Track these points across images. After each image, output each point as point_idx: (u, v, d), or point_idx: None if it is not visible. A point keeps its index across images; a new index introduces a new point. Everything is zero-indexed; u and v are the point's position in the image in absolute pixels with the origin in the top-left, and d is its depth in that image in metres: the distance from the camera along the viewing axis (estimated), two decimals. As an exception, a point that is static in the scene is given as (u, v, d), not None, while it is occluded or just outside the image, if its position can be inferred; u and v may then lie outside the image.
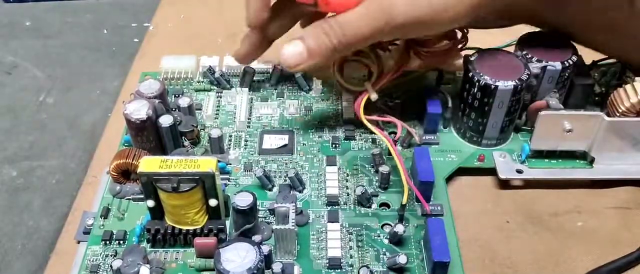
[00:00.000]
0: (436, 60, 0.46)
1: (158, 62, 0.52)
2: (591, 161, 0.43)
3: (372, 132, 0.45)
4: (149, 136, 0.41)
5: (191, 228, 0.37)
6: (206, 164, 0.35)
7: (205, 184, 0.35)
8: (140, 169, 0.35)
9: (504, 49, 0.46)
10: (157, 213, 0.37)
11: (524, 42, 0.45)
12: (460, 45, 0.45)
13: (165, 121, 0.41)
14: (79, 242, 0.39)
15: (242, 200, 0.36)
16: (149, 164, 0.35)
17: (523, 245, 0.39)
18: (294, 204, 0.36)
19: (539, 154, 0.44)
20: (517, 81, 0.41)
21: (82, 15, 0.69)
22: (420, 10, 0.36)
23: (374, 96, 0.42)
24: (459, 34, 0.44)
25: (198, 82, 0.51)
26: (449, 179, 0.43)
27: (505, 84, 0.41)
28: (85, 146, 0.50)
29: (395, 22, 0.36)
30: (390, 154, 0.42)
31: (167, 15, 0.64)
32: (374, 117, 0.44)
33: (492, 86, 0.41)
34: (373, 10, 0.36)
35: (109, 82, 0.57)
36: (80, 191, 0.44)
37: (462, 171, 0.44)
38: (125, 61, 0.59)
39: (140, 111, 0.40)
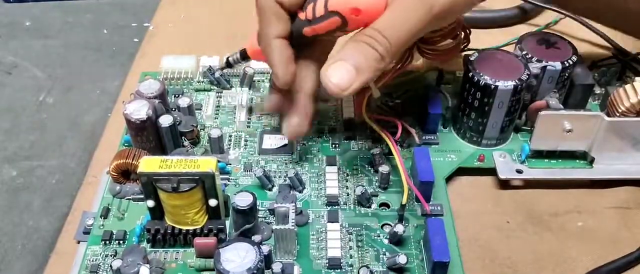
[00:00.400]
0: (439, 58, 0.46)
1: (158, 62, 0.52)
2: (591, 161, 0.43)
3: (372, 132, 0.45)
4: (149, 136, 0.41)
5: (191, 228, 0.37)
6: (206, 164, 0.35)
7: (205, 184, 0.35)
8: (140, 169, 0.35)
9: (503, 49, 0.46)
10: (157, 213, 0.37)
11: (524, 42, 0.45)
12: (463, 45, 0.45)
13: (165, 121, 0.41)
14: (79, 242, 0.39)
15: (242, 200, 0.36)
16: (148, 164, 0.35)
17: (523, 245, 0.39)
18: (293, 204, 0.36)
19: (538, 154, 0.44)
20: (517, 81, 0.41)
21: (82, 15, 0.69)
22: None
23: (376, 93, 0.42)
24: (462, 34, 0.44)
25: (198, 82, 0.51)
26: (449, 179, 0.43)
27: (505, 84, 0.41)
28: (85, 146, 0.50)
29: (435, 10, 0.34)
30: (390, 154, 0.42)
31: (167, 15, 0.64)
32: (376, 116, 0.44)
33: (492, 86, 0.41)
34: (411, 5, 0.34)
35: (109, 82, 0.57)
36: (80, 191, 0.44)
37: (462, 171, 0.44)
38: (125, 61, 0.59)
39: (140, 111, 0.40)
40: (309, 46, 0.40)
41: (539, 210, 0.42)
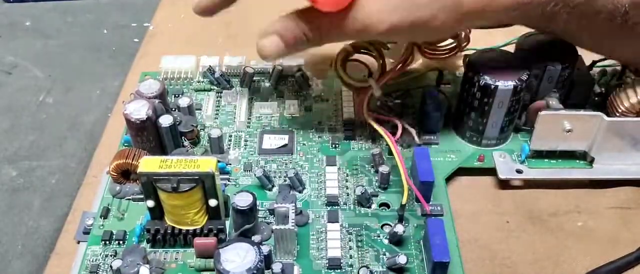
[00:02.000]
0: (440, 58, 0.46)
1: (158, 62, 0.52)
2: (591, 161, 0.43)
3: (372, 132, 0.45)
4: (148, 136, 0.41)
5: (191, 228, 0.37)
6: (206, 164, 0.35)
7: (205, 184, 0.35)
8: (140, 169, 0.35)
9: (503, 48, 0.46)
10: (157, 213, 0.37)
11: (524, 42, 0.45)
12: (463, 45, 0.45)
13: (165, 121, 0.41)
14: (78, 242, 0.39)
15: (242, 200, 0.36)
16: (148, 164, 0.35)
17: (523, 245, 0.39)
18: (293, 204, 0.36)
19: (538, 154, 0.44)
20: (517, 81, 0.41)
21: (82, 15, 0.69)
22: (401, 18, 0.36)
23: (377, 92, 0.42)
24: (462, 34, 0.44)
25: (198, 82, 0.51)
26: (448, 179, 0.43)
27: (505, 84, 0.41)
28: (85, 146, 0.50)
29: (377, 31, 0.36)
30: (390, 153, 0.43)
31: (167, 15, 0.64)
32: (376, 116, 0.44)
33: (492, 86, 0.41)
34: (354, 22, 0.36)
35: (109, 82, 0.57)
36: (80, 191, 0.44)
37: (462, 171, 0.44)
38: (125, 61, 0.59)
39: (140, 111, 0.40)
40: None
41: (538, 210, 0.42)
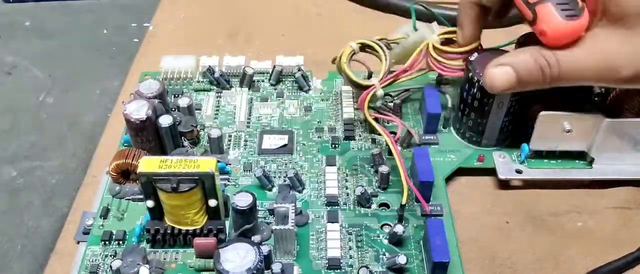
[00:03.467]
0: (443, 73, 0.45)
1: (158, 62, 0.52)
2: (591, 162, 0.43)
3: (371, 132, 0.45)
4: (148, 136, 0.41)
5: (191, 228, 0.37)
6: (206, 164, 0.35)
7: (204, 184, 0.35)
8: (139, 169, 0.35)
9: (503, 49, 0.46)
10: (157, 213, 0.37)
11: (523, 42, 0.45)
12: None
13: (165, 121, 0.41)
14: (78, 242, 0.39)
15: (242, 200, 0.36)
16: (148, 164, 0.35)
17: (523, 245, 0.39)
18: (293, 204, 0.36)
19: (538, 155, 0.44)
20: (517, 81, 0.41)
21: (82, 15, 0.69)
22: None
23: (380, 92, 0.42)
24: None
25: (198, 82, 0.51)
26: (448, 179, 0.43)
27: (505, 84, 0.41)
28: (86, 146, 0.50)
29: (620, 75, 0.34)
30: (390, 153, 0.43)
31: (167, 15, 0.64)
32: (376, 115, 0.44)
33: (492, 86, 0.41)
34: (597, 61, 0.34)
35: (109, 82, 0.57)
36: (80, 191, 0.44)
37: (461, 171, 0.44)
38: (125, 61, 0.59)
39: (140, 111, 0.40)
40: None
41: (538, 210, 0.42)
